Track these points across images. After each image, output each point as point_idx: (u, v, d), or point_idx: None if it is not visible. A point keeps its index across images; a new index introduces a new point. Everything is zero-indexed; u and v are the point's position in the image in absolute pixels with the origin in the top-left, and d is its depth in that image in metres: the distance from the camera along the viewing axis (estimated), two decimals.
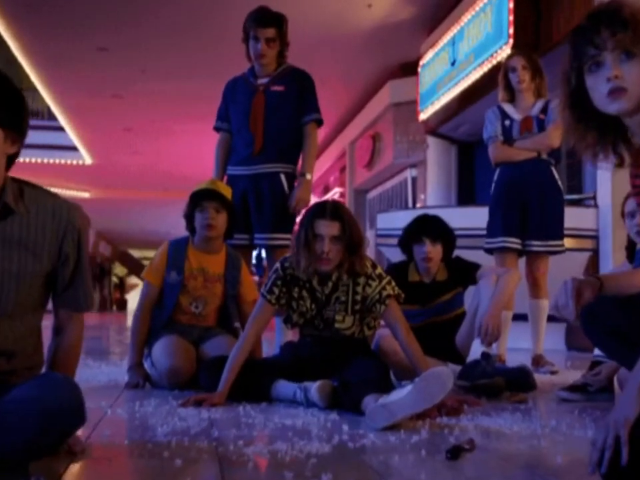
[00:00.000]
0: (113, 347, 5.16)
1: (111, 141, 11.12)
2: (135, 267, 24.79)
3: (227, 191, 2.70)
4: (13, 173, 1.38)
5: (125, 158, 12.05)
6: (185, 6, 6.46)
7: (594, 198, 4.72)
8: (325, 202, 2.21)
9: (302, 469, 1.27)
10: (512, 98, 3.28)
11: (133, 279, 27.43)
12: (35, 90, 9.16)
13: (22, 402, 1.15)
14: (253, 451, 1.42)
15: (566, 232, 3.34)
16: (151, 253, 23.20)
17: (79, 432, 1.41)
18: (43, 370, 1.46)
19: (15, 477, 1.17)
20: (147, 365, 2.59)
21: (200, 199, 2.63)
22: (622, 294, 1.49)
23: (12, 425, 1.11)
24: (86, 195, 14.57)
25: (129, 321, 9.49)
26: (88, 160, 12.22)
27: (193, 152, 11.14)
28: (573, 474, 1.30)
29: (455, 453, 1.39)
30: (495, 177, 3.34)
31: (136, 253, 26.81)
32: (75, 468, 1.28)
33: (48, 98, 9.37)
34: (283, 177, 3.00)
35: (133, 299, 26.04)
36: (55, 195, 1.40)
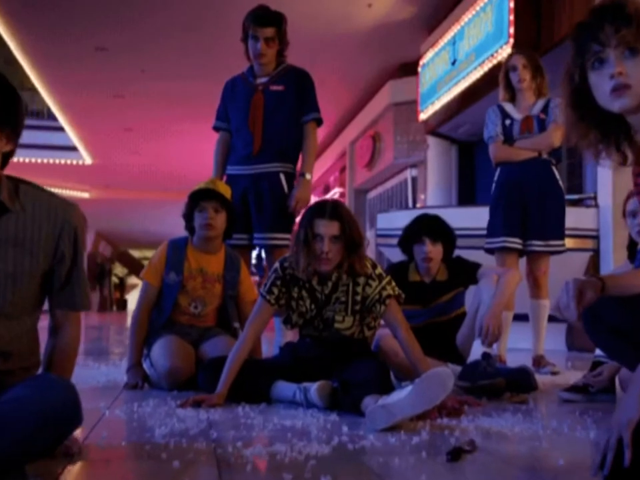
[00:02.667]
0: (113, 347, 5.15)
1: (111, 141, 11.12)
2: (135, 267, 24.78)
3: (226, 191, 2.69)
4: (13, 172, 1.37)
5: (124, 158, 12.04)
6: (185, 6, 6.46)
7: (594, 198, 4.70)
8: (325, 201, 2.19)
9: (301, 470, 1.26)
10: (512, 97, 3.27)
11: (133, 279, 27.43)
12: (34, 90, 9.16)
13: (17, 403, 1.14)
14: (252, 452, 1.40)
15: (567, 232, 3.33)
16: (150, 253, 23.21)
17: (76, 433, 1.40)
18: (40, 370, 1.45)
19: (11, 478, 1.16)
20: (145, 365, 2.57)
21: (199, 198, 2.62)
22: (624, 294, 1.47)
23: (7, 426, 1.10)
24: (86, 195, 14.57)
25: (129, 321, 9.51)
26: (88, 160, 12.21)
27: (193, 152, 11.14)
28: (574, 475, 1.29)
29: (455, 454, 1.38)
30: (496, 177, 3.33)
31: (136, 253, 26.80)
32: (71, 469, 1.27)
33: (48, 98, 9.37)
34: (282, 176, 2.99)
35: (133, 299, 26.04)
36: (50, 193, 1.39)
